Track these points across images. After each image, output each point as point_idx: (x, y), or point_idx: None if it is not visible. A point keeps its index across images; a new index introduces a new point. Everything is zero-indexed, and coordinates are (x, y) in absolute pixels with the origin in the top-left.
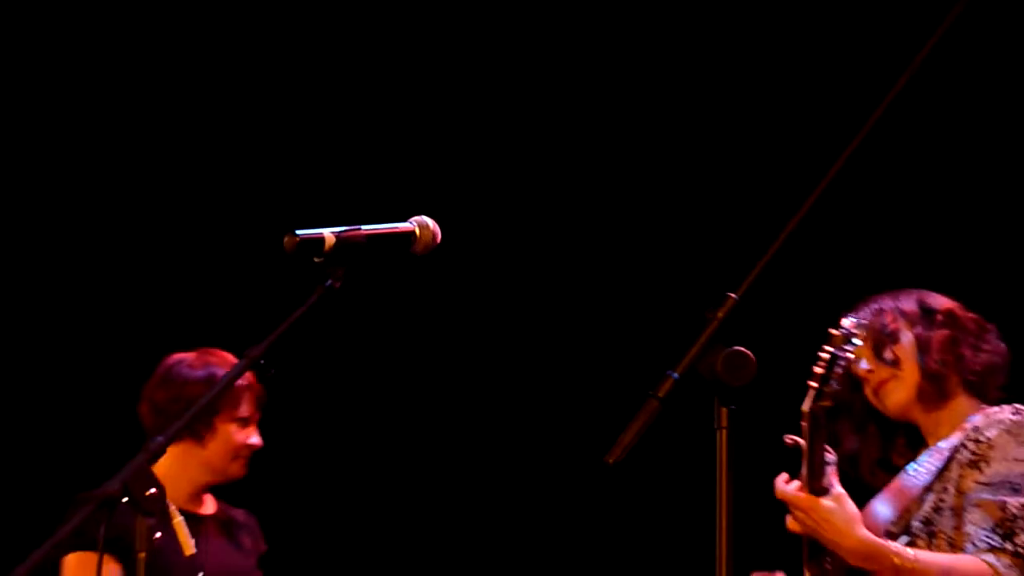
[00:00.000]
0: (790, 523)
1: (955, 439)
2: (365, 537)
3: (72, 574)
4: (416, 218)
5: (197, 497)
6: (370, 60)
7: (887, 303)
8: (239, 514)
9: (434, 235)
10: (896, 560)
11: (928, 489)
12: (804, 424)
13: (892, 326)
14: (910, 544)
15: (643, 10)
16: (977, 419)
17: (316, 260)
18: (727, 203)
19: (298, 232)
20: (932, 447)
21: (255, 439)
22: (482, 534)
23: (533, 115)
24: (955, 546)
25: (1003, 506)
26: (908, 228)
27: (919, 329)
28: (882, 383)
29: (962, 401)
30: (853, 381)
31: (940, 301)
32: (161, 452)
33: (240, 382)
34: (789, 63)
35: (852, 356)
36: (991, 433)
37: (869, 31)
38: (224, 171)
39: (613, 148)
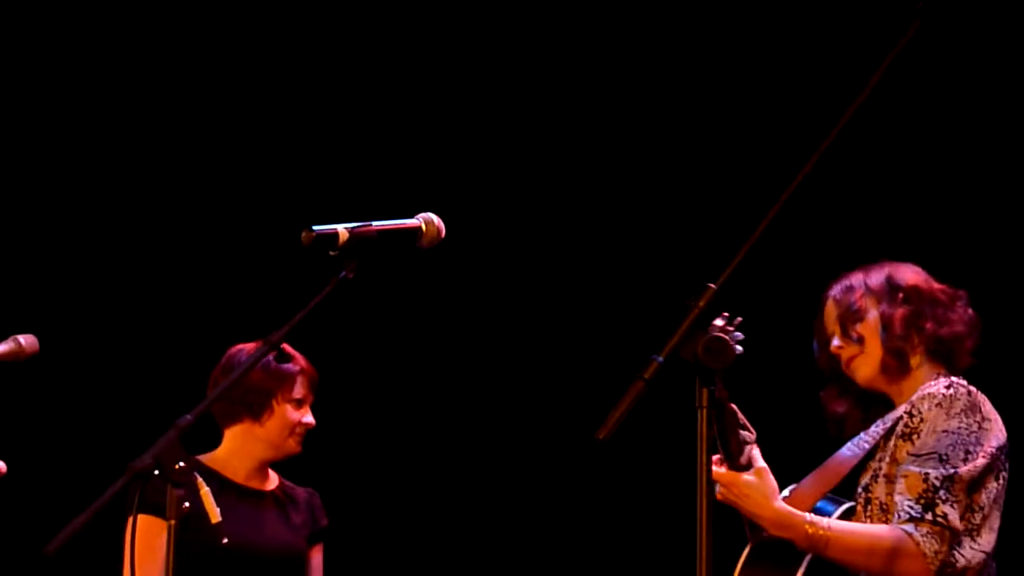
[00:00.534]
0: (718, 496)
1: (901, 410)
2: (371, 517)
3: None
4: (422, 214)
5: (258, 473)
6: (382, 68)
7: (857, 279)
8: (301, 492)
9: (439, 230)
10: (809, 529)
11: (870, 456)
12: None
13: (859, 304)
14: (850, 510)
15: (626, 3)
16: (917, 394)
17: (331, 253)
18: (706, 202)
19: (314, 228)
20: (880, 418)
21: (309, 418)
22: (477, 508)
23: (524, 111)
24: (888, 511)
25: (926, 477)
26: (884, 220)
27: (883, 306)
28: (851, 359)
29: (926, 371)
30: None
31: (907, 276)
32: (188, 428)
33: (293, 367)
34: (767, 54)
35: (740, 349)
36: (924, 407)
37: (847, 25)
38: (248, 176)
39: (602, 147)
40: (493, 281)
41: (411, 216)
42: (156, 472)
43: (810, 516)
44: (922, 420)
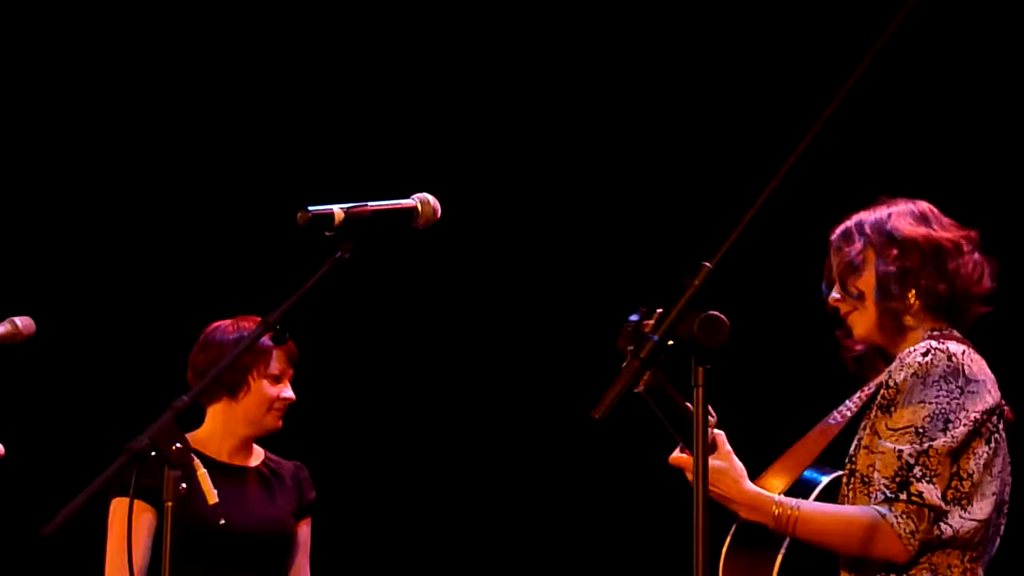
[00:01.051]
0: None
1: (883, 376)
2: (363, 496)
3: (116, 517)
4: (418, 195)
5: (241, 450)
6: (378, 48)
7: (857, 225)
8: (287, 466)
9: (434, 210)
10: (776, 510)
11: (856, 423)
12: (651, 404)
13: (856, 258)
14: (839, 479)
15: None
16: (895, 362)
17: (327, 234)
18: (702, 181)
19: (310, 208)
20: (866, 385)
21: (288, 393)
22: (469, 485)
23: (518, 91)
24: (869, 484)
25: (899, 455)
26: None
27: (879, 262)
28: (847, 313)
29: (924, 329)
30: None
31: (905, 226)
32: (185, 409)
33: (268, 342)
34: (763, 31)
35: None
36: (899, 377)
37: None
38: (244, 157)
39: (597, 125)
40: (488, 261)
41: (407, 196)
42: (153, 453)
43: (778, 496)
44: (898, 391)
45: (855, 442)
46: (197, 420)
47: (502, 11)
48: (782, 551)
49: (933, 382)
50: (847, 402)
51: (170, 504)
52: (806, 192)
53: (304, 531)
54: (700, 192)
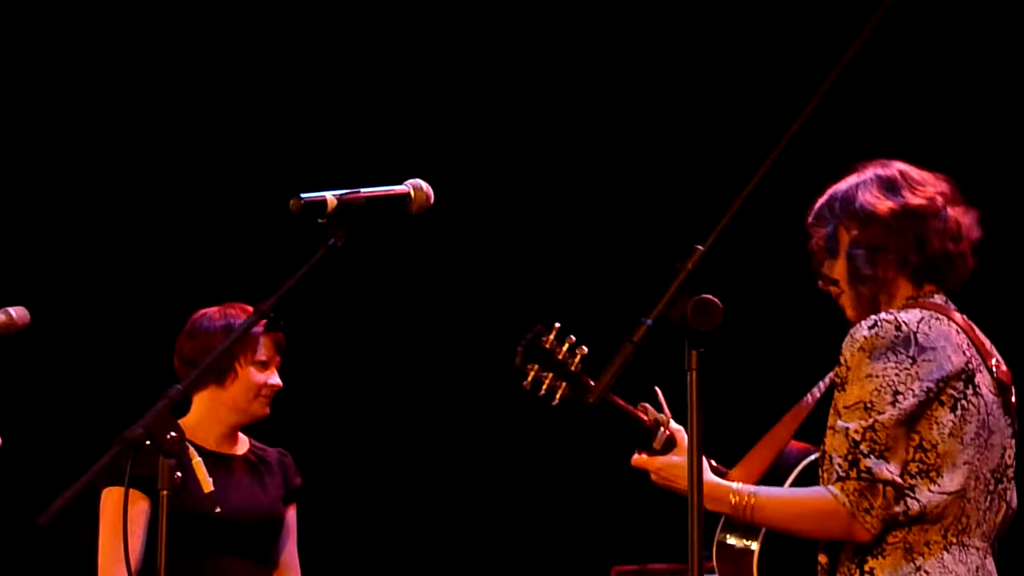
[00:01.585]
0: (656, 481)
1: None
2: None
3: (107, 507)
4: (411, 181)
5: (228, 438)
6: (371, 35)
7: (829, 203)
8: (272, 453)
9: (427, 196)
10: (733, 499)
11: (826, 403)
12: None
13: (831, 243)
14: (815, 461)
15: None
16: (846, 337)
17: (319, 221)
18: (694, 164)
19: (302, 195)
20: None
21: (275, 380)
22: (459, 478)
23: (511, 76)
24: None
25: (846, 432)
26: None
27: (850, 246)
28: (834, 296)
29: (904, 296)
30: None
31: (871, 201)
32: (180, 398)
33: (257, 328)
34: (755, 13)
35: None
36: (847, 354)
37: None
38: (237, 145)
39: (589, 111)
40: (481, 247)
41: (399, 183)
42: (148, 442)
43: (736, 485)
44: (848, 368)
45: (827, 422)
46: (183, 408)
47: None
48: (760, 538)
49: (880, 355)
50: (820, 382)
51: (165, 493)
52: (803, 171)
53: (291, 517)
54: (693, 172)
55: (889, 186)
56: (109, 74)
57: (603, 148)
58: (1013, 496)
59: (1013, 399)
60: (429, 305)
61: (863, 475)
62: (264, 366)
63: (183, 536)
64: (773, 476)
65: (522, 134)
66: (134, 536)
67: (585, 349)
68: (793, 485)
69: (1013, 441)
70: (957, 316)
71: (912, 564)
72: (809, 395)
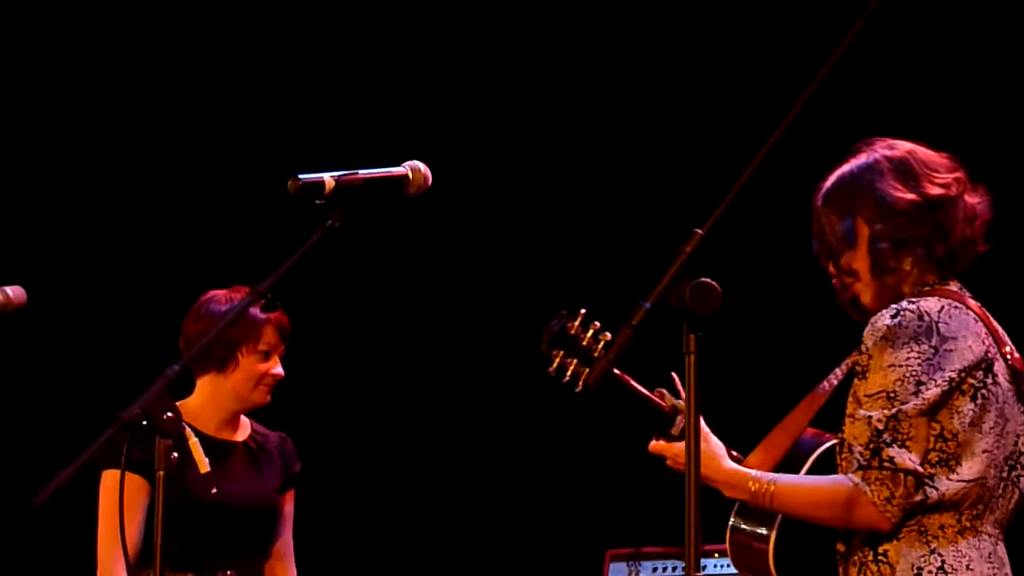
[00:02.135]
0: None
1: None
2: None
3: (107, 489)
4: (409, 162)
5: (229, 424)
6: (369, 15)
7: (842, 190)
8: (273, 439)
9: (425, 178)
10: (752, 486)
11: (844, 390)
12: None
13: (850, 235)
14: (832, 448)
15: None
16: (868, 326)
17: (317, 202)
18: (693, 148)
19: (300, 176)
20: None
21: (277, 369)
22: (458, 466)
23: (510, 57)
24: (852, 452)
25: (869, 421)
26: None
27: (873, 239)
28: (847, 287)
29: (919, 283)
30: None
31: (893, 193)
32: (176, 379)
33: (261, 316)
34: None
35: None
36: (869, 343)
37: None
38: (234, 125)
39: (589, 93)
40: (479, 229)
41: (398, 164)
42: (145, 423)
43: (755, 472)
44: (869, 357)
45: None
46: (188, 389)
47: None
48: (776, 525)
49: (903, 344)
50: (836, 369)
51: (161, 473)
52: (802, 155)
53: (288, 503)
54: (692, 156)
55: (905, 173)
56: (108, 56)
57: (603, 132)
58: None
59: None
60: (427, 289)
61: (885, 464)
62: (267, 355)
63: (179, 519)
64: (789, 463)
65: (521, 115)
66: (133, 519)
67: (609, 335)
68: (809, 472)
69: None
70: (972, 303)
71: (927, 547)
72: (826, 382)
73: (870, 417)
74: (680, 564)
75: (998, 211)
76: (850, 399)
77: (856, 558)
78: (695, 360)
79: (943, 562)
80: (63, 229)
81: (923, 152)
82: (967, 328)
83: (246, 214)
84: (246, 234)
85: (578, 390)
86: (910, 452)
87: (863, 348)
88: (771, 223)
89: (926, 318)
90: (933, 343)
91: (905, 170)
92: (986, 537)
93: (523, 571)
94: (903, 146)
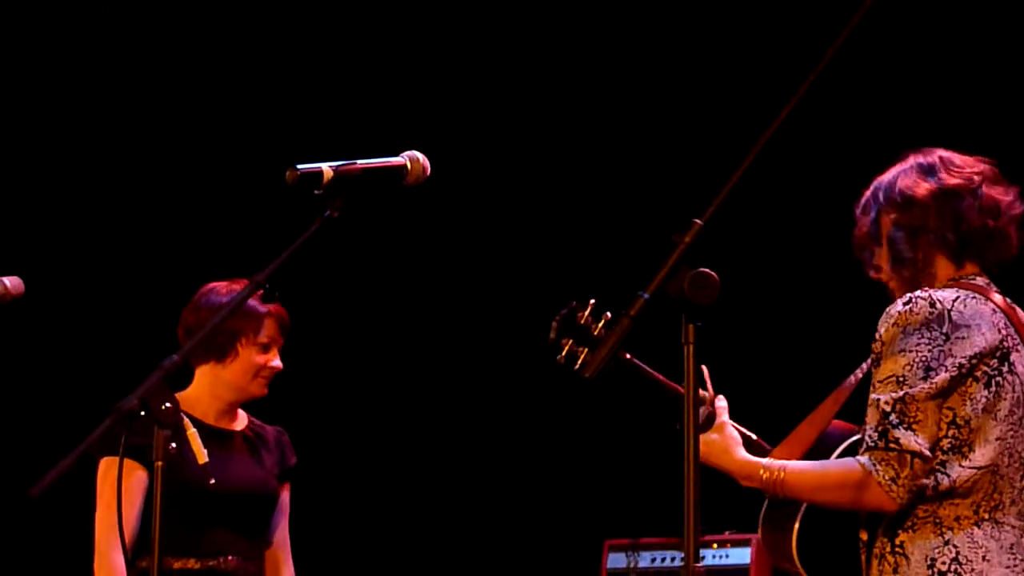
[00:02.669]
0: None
1: None
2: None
3: (104, 477)
4: (407, 153)
5: (227, 414)
6: (369, 6)
7: (874, 192)
8: (270, 431)
9: (424, 168)
10: (764, 475)
11: (867, 382)
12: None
13: (874, 229)
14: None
15: None
16: (882, 315)
17: (316, 192)
18: (692, 137)
19: (298, 167)
20: None
21: (276, 362)
22: (457, 460)
23: (510, 48)
24: None
25: (877, 403)
26: (872, 154)
27: (890, 230)
28: (884, 282)
29: (945, 277)
30: None
31: (908, 185)
32: (174, 369)
33: (262, 309)
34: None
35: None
36: (882, 330)
37: None
38: (233, 116)
39: (588, 84)
40: (477, 219)
41: (396, 154)
42: (143, 413)
43: (766, 460)
44: (883, 343)
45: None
46: (186, 380)
47: None
48: (800, 514)
49: (914, 330)
50: (863, 363)
51: (160, 464)
52: (801, 145)
53: (284, 496)
54: (691, 145)
55: (928, 170)
56: (105, 51)
57: (602, 122)
58: None
59: None
60: (426, 280)
61: (891, 445)
62: (266, 348)
63: (178, 508)
64: (816, 455)
65: (520, 106)
66: (130, 507)
67: None
68: None
69: None
70: (997, 297)
71: (941, 538)
72: (852, 376)
73: (879, 400)
74: (678, 554)
75: None
76: (871, 388)
77: (876, 549)
78: (694, 350)
79: (957, 553)
80: (61, 220)
81: (955, 156)
82: (982, 317)
83: (245, 205)
84: (245, 225)
85: (587, 375)
86: (917, 435)
87: (877, 336)
88: (772, 213)
89: (938, 306)
90: (944, 330)
91: (928, 167)
92: (1009, 528)
93: (522, 561)
94: (937, 152)
